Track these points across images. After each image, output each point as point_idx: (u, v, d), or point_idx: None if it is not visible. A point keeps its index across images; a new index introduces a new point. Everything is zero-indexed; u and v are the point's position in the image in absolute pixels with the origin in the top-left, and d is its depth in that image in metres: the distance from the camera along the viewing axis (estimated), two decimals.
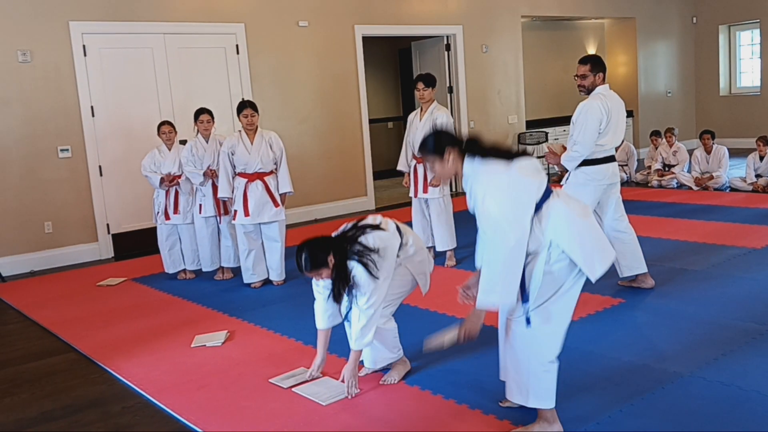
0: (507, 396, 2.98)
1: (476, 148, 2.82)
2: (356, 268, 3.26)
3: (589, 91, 4.67)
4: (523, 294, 2.78)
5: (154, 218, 6.15)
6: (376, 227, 3.38)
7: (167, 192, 5.98)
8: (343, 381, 3.47)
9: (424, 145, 2.91)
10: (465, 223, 6.27)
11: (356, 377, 3.46)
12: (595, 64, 4.65)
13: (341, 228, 3.44)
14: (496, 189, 2.70)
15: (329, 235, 3.38)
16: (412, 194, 6.05)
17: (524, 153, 2.85)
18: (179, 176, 5.94)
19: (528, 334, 2.80)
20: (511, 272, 2.68)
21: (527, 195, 2.72)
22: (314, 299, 3.57)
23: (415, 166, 5.98)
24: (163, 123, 6.09)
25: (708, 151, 9.25)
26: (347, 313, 3.47)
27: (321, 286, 3.47)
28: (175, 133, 6.09)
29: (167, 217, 6.00)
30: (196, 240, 6.09)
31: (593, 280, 2.76)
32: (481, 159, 2.79)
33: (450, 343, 3.01)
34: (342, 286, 3.29)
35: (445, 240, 5.91)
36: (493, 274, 2.70)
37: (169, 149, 6.02)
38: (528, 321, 2.78)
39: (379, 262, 3.27)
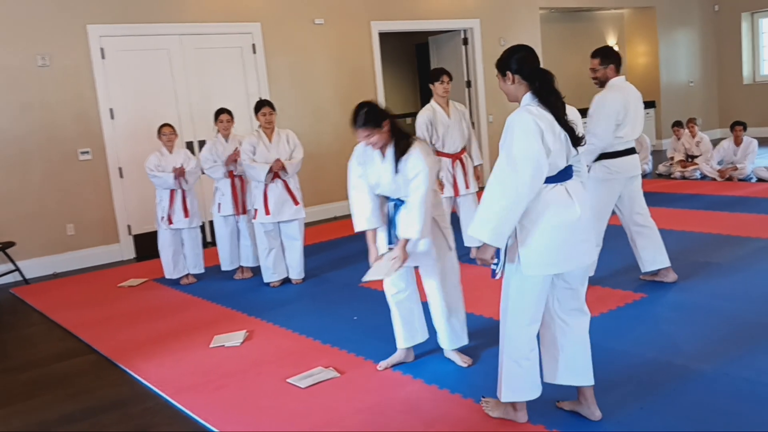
0: None
1: (544, 92, 2.83)
2: (414, 144, 3.41)
3: (602, 83, 4.62)
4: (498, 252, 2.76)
5: (156, 223, 6.07)
6: None
7: (172, 197, 5.89)
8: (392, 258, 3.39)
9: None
10: None
11: (404, 255, 3.39)
12: (605, 56, 4.58)
13: None
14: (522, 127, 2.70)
15: None
16: (448, 193, 5.79)
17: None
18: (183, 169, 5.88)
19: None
20: (512, 211, 2.62)
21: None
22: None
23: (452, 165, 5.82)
24: (163, 125, 5.99)
25: (738, 143, 9.08)
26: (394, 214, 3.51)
27: (360, 169, 3.66)
28: (176, 135, 6.04)
29: (170, 222, 5.93)
30: (199, 244, 6.10)
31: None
32: (538, 102, 2.79)
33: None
34: (402, 146, 3.40)
35: None
36: (493, 208, 2.63)
37: (170, 152, 5.95)
38: (493, 273, 2.82)
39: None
